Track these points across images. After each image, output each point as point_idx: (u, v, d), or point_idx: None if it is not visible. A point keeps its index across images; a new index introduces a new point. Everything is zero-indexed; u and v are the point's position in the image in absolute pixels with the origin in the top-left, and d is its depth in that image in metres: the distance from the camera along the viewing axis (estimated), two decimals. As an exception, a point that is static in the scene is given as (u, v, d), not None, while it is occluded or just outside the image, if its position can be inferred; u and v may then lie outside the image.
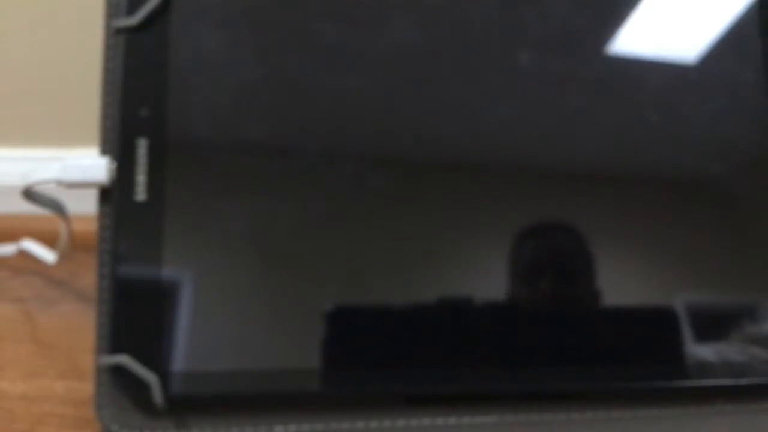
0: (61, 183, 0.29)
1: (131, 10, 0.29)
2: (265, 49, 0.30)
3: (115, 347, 0.27)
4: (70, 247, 0.35)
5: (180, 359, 0.28)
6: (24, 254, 0.39)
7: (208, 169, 0.29)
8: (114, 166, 0.29)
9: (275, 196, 0.29)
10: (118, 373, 0.27)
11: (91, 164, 0.29)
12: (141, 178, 0.28)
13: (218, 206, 0.29)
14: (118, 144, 0.29)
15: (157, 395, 0.27)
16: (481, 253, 0.30)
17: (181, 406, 0.28)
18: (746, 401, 0.31)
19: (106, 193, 0.29)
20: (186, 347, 0.28)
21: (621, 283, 0.31)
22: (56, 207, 0.32)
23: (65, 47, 0.42)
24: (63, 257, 0.36)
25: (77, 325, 0.38)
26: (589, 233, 0.31)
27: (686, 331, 0.31)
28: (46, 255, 0.38)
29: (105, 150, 0.29)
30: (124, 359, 0.27)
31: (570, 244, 0.31)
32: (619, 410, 0.30)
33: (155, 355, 0.27)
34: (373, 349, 0.29)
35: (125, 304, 0.28)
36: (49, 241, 0.38)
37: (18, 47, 0.43)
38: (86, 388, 0.32)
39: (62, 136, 0.45)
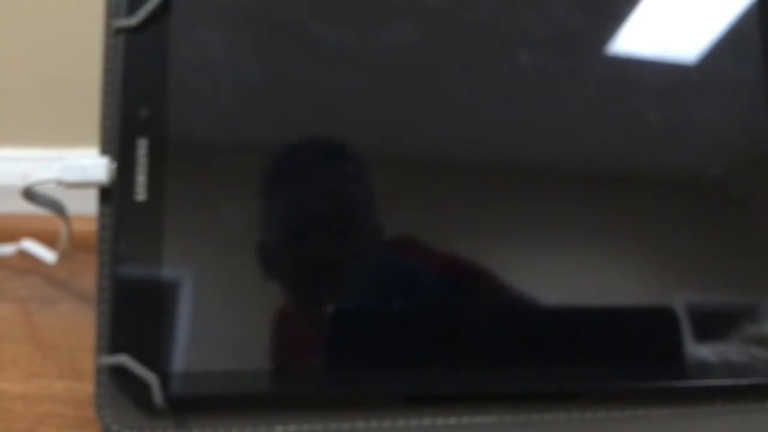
0: (61, 183, 0.29)
1: (131, 10, 0.29)
2: (265, 49, 0.30)
3: (115, 347, 0.27)
4: (70, 247, 0.35)
5: (180, 359, 0.28)
6: (24, 254, 0.39)
7: (208, 169, 0.29)
8: (114, 166, 0.29)
9: (275, 196, 0.29)
10: (118, 373, 0.27)
11: (91, 164, 0.29)
12: (141, 178, 0.28)
13: (218, 206, 0.29)
14: (118, 144, 0.29)
15: (157, 395, 0.27)
16: (480, 253, 0.30)
17: (181, 406, 0.28)
18: (746, 401, 0.31)
19: (106, 193, 0.29)
20: (186, 347, 0.28)
21: (621, 283, 0.31)
22: (56, 207, 0.32)
23: (65, 47, 0.42)
24: (63, 257, 0.36)
25: (77, 325, 0.38)
26: (589, 233, 0.31)
27: (686, 331, 0.31)
28: (46, 255, 0.38)
29: (105, 150, 0.29)
30: (124, 359, 0.27)
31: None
32: (619, 410, 0.30)
33: (155, 355, 0.27)
34: (373, 349, 0.29)
35: (125, 304, 0.28)
36: (49, 241, 0.38)
37: (18, 47, 0.43)
38: (86, 388, 0.32)
39: (62, 136, 0.45)
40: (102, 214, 0.29)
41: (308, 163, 0.30)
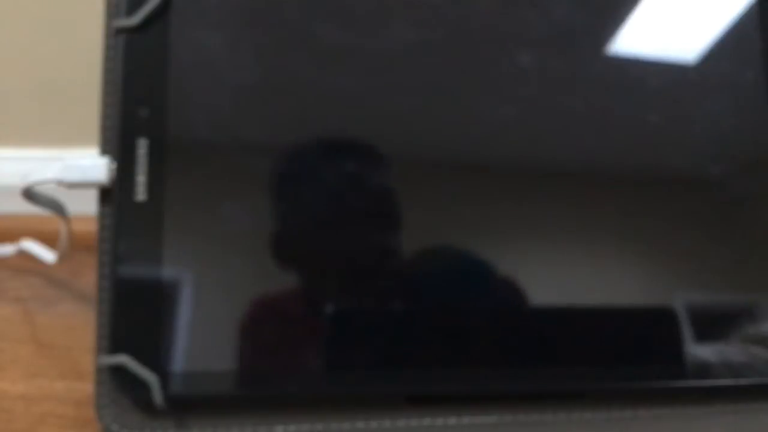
0: (61, 183, 0.29)
1: (131, 10, 0.29)
2: (265, 50, 0.30)
3: (115, 347, 0.27)
4: (70, 247, 0.35)
5: (180, 359, 0.28)
6: (24, 254, 0.39)
7: (208, 169, 0.29)
8: (114, 166, 0.29)
9: (275, 196, 0.29)
10: (118, 373, 0.27)
11: (91, 164, 0.29)
12: (141, 178, 0.28)
13: (218, 206, 0.29)
14: (118, 144, 0.29)
15: (157, 395, 0.27)
16: (480, 252, 0.30)
17: (181, 406, 0.28)
18: (746, 401, 0.31)
19: (106, 193, 0.29)
20: (186, 347, 0.28)
21: (621, 283, 0.31)
22: (56, 207, 0.32)
23: (65, 47, 0.42)
24: (63, 257, 0.36)
25: (77, 325, 0.38)
26: (589, 233, 0.31)
27: (686, 331, 0.31)
28: (46, 255, 0.38)
29: (105, 150, 0.29)
30: (124, 359, 0.27)
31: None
32: (619, 410, 0.30)
33: (155, 355, 0.27)
34: (373, 349, 0.29)
35: (125, 304, 0.28)
36: (49, 241, 0.38)
37: (18, 47, 0.43)
38: (86, 388, 0.32)
39: (62, 136, 0.45)
40: (102, 214, 0.29)
41: (307, 164, 0.30)
